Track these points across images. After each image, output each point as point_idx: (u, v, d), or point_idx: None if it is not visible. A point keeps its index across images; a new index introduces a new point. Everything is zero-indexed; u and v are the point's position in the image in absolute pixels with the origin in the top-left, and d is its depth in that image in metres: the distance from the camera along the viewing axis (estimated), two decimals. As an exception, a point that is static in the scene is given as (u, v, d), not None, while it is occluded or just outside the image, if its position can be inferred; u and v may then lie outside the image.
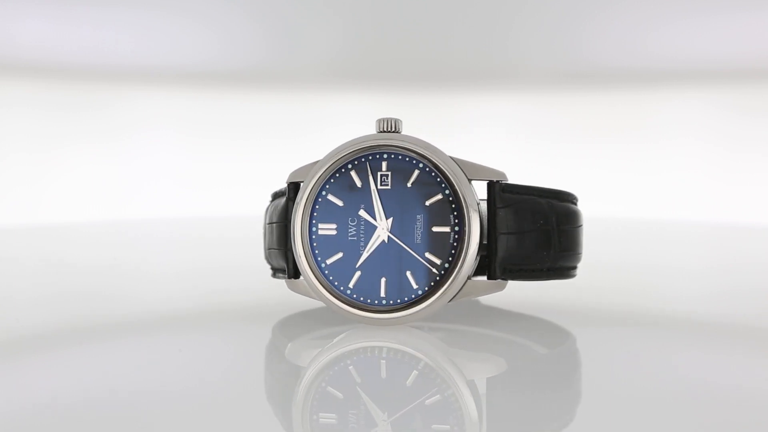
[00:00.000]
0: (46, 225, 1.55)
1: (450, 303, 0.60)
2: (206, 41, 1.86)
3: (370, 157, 0.61)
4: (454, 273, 0.58)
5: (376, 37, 1.87)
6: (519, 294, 0.73)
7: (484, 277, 0.61)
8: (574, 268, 0.66)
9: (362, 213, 0.61)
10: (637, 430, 0.44)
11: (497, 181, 0.61)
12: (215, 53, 1.88)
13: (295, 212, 0.61)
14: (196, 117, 1.88)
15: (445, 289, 0.59)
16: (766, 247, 1.33)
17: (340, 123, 1.73)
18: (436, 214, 0.59)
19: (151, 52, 1.86)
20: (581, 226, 0.65)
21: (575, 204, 0.66)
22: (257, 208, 0.75)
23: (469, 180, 0.60)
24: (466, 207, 0.59)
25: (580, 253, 0.66)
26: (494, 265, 0.60)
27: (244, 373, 0.55)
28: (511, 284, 0.62)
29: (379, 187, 0.61)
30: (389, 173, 0.61)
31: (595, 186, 1.79)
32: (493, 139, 1.88)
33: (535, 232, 0.61)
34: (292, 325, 0.66)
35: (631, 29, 1.82)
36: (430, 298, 0.59)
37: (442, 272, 0.59)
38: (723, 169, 1.81)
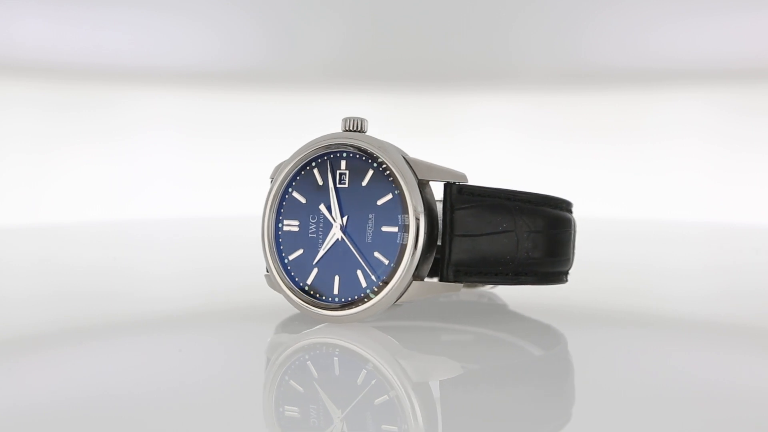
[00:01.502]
0: (46, 225, 1.55)
1: (421, 302, 0.60)
2: (206, 41, 1.86)
3: (332, 156, 0.62)
4: (397, 274, 0.58)
5: (376, 37, 1.87)
6: (519, 294, 0.73)
7: (437, 279, 0.61)
8: (562, 273, 0.65)
9: (322, 210, 0.62)
10: (636, 430, 0.44)
11: (454, 183, 0.60)
12: (215, 53, 1.88)
13: (264, 209, 0.63)
14: (196, 117, 1.88)
15: (389, 290, 0.59)
16: (766, 247, 1.33)
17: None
18: (385, 214, 0.60)
19: (151, 52, 1.86)
20: (567, 231, 0.64)
21: (564, 210, 0.64)
22: (257, 208, 0.75)
23: (420, 181, 0.59)
24: (410, 207, 0.58)
25: (568, 259, 0.65)
26: (446, 267, 0.60)
27: (243, 372, 0.55)
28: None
29: (337, 185, 0.62)
30: (347, 172, 0.62)
31: (595, 186, 1.80)
32: (493, 139, 1.88)
33: (496, 234, 0.60)
34: (293, 325, 0.66)
35: (632, 29, 1.82)
36: (375, 297, 0.59)
37: (388, 272, 0.59)
38: (723, 169, 1.81)
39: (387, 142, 0.61)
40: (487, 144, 1.87)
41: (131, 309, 0.73)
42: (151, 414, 0.46)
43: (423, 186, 0.60)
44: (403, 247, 0.58)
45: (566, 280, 0.66)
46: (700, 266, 1.10)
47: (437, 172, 0.60)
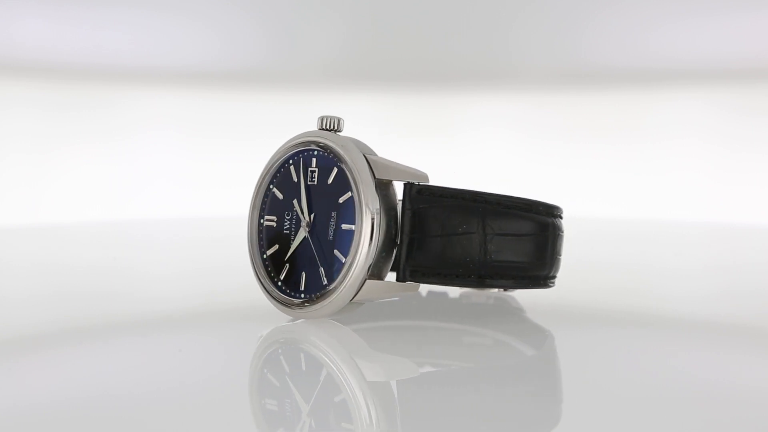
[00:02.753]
0: (46, 225, 1.55)
1: (389, 301, 0.61)
2: (206, 41, 1.86)
3: (305, 153, 0.63)
4: (351, 272, 0.58)
5: (376, 37, 1.87)
6: (520, 295, 0.73)
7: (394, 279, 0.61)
8: (542, 277, 0.63)
9: (295, 206, 0.63)
10: (636, 430, 0.44)
11: (413, 183, 0.60)
12: (215, 53, 1.88)
13: (250, 204, 0.65)
14: (196, 117, 1.88)
15: (343, 288, 0.59)
16: (766, 247, 1.33)
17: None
18: (345, 212, 0.60)
19: (151, 52, 1.86)
20: (542, 235, 0.62)
21: (543, 214, 0.63)
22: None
23: (380, 180, 0.59)
24: (363, 206, 0.58)
25: (545, 263, 0.63)
26: (401, 267, 0.60)
27: (244, 373, 0.55)
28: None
29: (308, 182, 0.62)
30: (317, 170, 0.62)
31: (595, 186, 1.79)
32: (493, 139, 1.88)
33: (456, 236, 0.59)
34: (292, 324, 0.66)
35: (632, 29, 1.82)
36: (331, 295, 0.59)
37: (343, 270, 0.59)
38: (723, 169, 1.81)
39: (353, 141, 0.61)
40: (487, 144, 1.87)
41: (131, 309, 0.73)
42: (151, 414, 0.46)
43: (384, 186, 0.60)
44: (357, 246, 0.59)
45: (550, 285, 0.65)
46: (700, 266, 1.10)
47: (396, 171, 0.60)
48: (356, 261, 0.58)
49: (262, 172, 0.65)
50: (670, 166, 1.83)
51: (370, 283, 0.59)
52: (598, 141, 1.87)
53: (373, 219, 0.58)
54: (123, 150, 1.84)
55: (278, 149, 0.65)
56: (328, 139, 0.61)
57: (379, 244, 0.58)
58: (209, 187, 1.80)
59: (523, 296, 0.74)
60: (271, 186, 0.65)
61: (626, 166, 1.84)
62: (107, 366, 0.55)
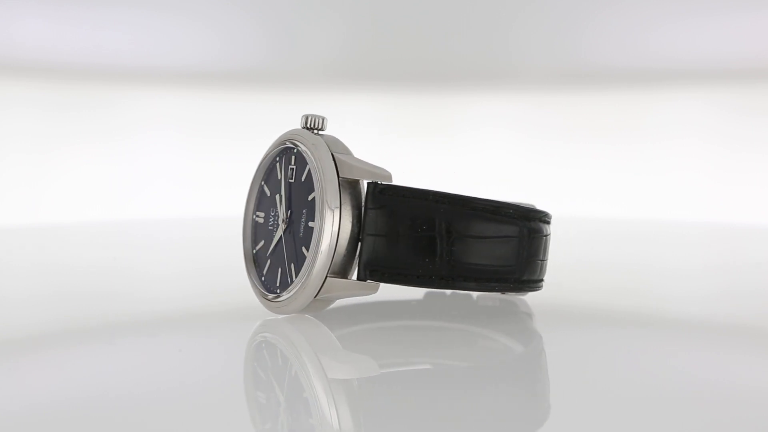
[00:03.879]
0: (46, 225, 1.55)
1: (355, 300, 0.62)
2: (206, 41, 1.86)
3: (287, 152, 0.64)
4: (313, 269, 0.59)
5: (376, 37, 1.87)
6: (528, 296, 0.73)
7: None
8: (518, 282, 0.63)
9: (277, 202, 0.64)
10: (636, 430, 0.44)
11: (376, 183, 0.60)
12: (215, 53, 1.88)
13: (246, 198, 0.67)
14: (196, 117, 1.88)
15: (306, 285, 0.59)
16: (766, 247, 1.33)
17: (340, 123, 1.73)
18: (311, 210, 0.61)
19: (151, 52, 1.86)
20: (507, 239, 0.62)
21: (514, 218, 0.62)
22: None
23: (345, 179, 0.59)
24: (324, 204, 0.59)
25: (512, 267, 0.62)
26: (360, 266, 0.60)
27: (244, 372, 0.55)
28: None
29: (288, 180, 0.63)
30: (295, 167, 0.63)
31: (595, 186, 1.80)
32: (493, 139, 1.88)
33: (415, 236, 0.59)
34: (288, 323, 0.66)
35: (632, 29, 1.82)
36: (295, 291, 0.60)
37: (305, 267, 0.60)
38: (723, 169, 1.81)
39: (328, 140, 0.62)
40: (487, 144, 1.87)
41: (131, 309, 0.73)
42: (151, 414, 0.46)
43: (350, 184, 0.60)
44: (316, 243, 0.59)
45: (533, 288, 0.64)
46: (700, 266, 1.10)
47: (359, 171, 0.60)
48: (316, 258, 0.58)
49: (257, 168, 0.67)
50: (670, 166, 1.83)
51: (331, 281, 0.59)
52: (598, 141, 1.87)
53: (332, 217, 0.58)
54: (123, 150, 1.84)
55: (270, 145, 0.66)
56: (302, 138, 0.62)
57: (340, 242, 0.59)
58: (209, 187, 1.81)
59: (528, 297, 0.74)
60: (262, 182, 0.66)
61: (626, 166, 1.84)
62: (107, 366, 0.55)
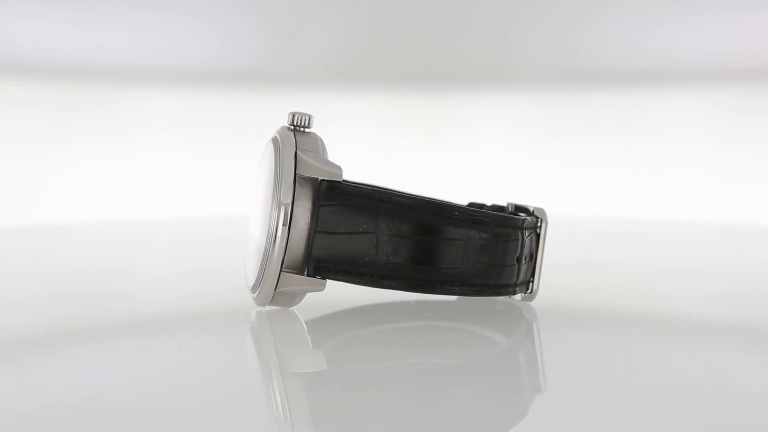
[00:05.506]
0: (46, 225, 1.55)
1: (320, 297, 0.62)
2: (206, 41, 1.86)
3: (273, 148, 0.64)
4: (267, 264, 0.60)
5: (376, 37, 1.87)
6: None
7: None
8: (443, 282, 0.62)
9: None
10: (636, 431, 0.44)
11: (324, 180, 0.60)
12: (215, 53, 1.88)
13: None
14: (196, 117, 1.88)
15: (263, 280, 0.60)
16: (766, 247, 1.33)
17: (340, 123, 1.73)
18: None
19: (151, 52, 1.86)
20: (449, 241, 0.61)
21: (465, 220, 0.61)
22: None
23: (299, 176, 0.60)
24: (276, 201, 0.60)
25: (448, 269, 0.62)
26: (309, 262, 0.61)
27: (244, 372, 0.55)
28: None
29: (272, 176, 0.64)
30: (274, 163, 0.64)
31: (595, 186, 1.80)
32: (493, 139, 1.88)
33: (356, 234, 0.60)
34: (285, 321, 0.66)
35: (632, 29, 1.82)
36: (260, 285, 0.61)
37: (262, 262, 0.61)
38: (723, 169, 1.81)
39: (300, 137, 0.62)
40: (487, 144, 1.87)
41: (131, 309, 0.73)
42: (150, 414, 0.46)
43: (310, 182, 0.60)
44: (270, 238, 0.60)
45: (483, 295, 0.64)
46: (700, 266, 1.10)
47: (312, 168, 0.60)
48: (270, 254, 0.59)
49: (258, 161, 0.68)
50: (670, 166, 1.83)
51: (285, 275, 0.60)
52: (598, 141, 1.87)
53: (283, 213, 0.59)
54: (123, 150, 1.84)
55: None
56: (279, 135, 0.63)
57: (293, 237, 0.59)
58: (209, 187, 1.81)
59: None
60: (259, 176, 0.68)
61: (626, 166, 1.84)
62: (107, 366, 0.55)
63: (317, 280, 0.61)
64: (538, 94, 1.91)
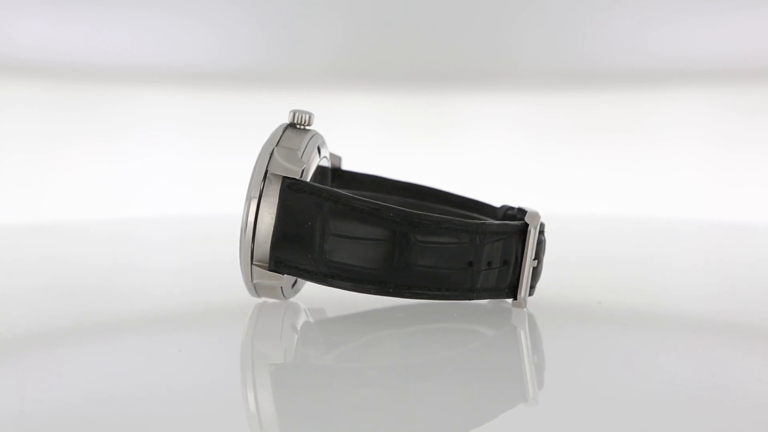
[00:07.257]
0: (47, 224, 1.55)
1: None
2: (206, 41, 1.86)
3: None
4: (241, 256, 0.62)
5: (376, 37, 1.87)
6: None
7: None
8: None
9: None
10: (635, 430, 0.44)
11: (285, 177, 0.61)
12: (215, 53, 1.88)
13: None
14: (196, 117, 1.88)
15: (243, 272, 0.63)
16: (765, 246, 1.33)
17: (340, 123, 1.73)
18: None
19: (151, 52, 1.86)
20: (379, 242, 0.61)
21: (401, 223, 0.61)
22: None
23: (271, 173, 0.61)
24: (247, 195, 0.61)
25: (376, 271, 0.62)
26: (269, 257, 0.62)
27: (244, 372, 0.55)
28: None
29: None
30: None
31: (595, 186, 1.80)
32: (493, 139, 1.88)
33: (303, 232, 0.61)
34: (280, 322, 0.66)
35: (632, 29, 1.82)
36: (244, 277, 0.63)
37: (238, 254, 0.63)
38: (723, 169, 1.81)
39: (284, 133, 0.64)
40: (487, 144, 1.87)
41: (131, 308, 0.73)
42: (150, 414, 0.46)
43: (278, 179, 0.61)
44: (241, 232, 0.62)
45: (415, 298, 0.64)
46: (699, 266, 1.10)
47: (278, 166, 0.62)
48: (241, 247, 0.62)
49: None
50: (669, 166, 1.83)
51: (255, 269, 0.62)
52: (599, 141, 1.87)
53: (251, 207, 0.61)
54: (123, 150, 1.84)
55: None
56: (269, 134, 0.64)
57: (260, 231, 0.61)
58: (209, 187, 1.81)
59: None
60: None
61: (626, 166, 1.84)
62: (107, 365, 0.55)
63: (274, 274, 0.62)
64: (538, 94, 1.91)
